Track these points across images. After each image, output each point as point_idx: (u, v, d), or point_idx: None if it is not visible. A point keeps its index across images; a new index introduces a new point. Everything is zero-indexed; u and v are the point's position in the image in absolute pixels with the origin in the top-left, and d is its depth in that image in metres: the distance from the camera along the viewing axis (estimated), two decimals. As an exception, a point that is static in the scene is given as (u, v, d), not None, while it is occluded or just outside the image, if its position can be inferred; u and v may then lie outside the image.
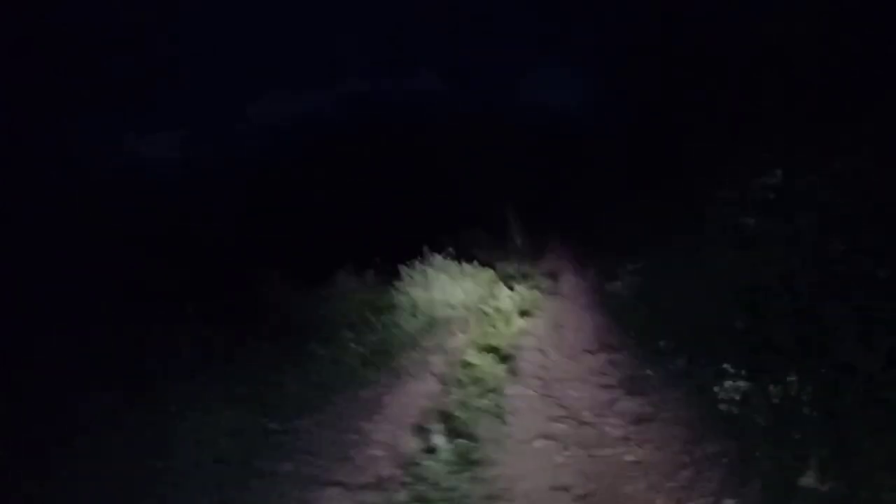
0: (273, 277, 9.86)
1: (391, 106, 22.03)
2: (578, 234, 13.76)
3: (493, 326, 7.51)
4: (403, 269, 9.64)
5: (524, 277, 10.35)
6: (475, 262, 9.82)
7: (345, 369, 6.69)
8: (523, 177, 18.34)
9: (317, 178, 16.47)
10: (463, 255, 9.92)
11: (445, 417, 5.19)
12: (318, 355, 7.28)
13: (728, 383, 4.26)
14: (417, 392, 5.85)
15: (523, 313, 8.26)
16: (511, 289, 9.04)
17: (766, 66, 7.87)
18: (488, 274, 9.81)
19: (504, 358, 6.40)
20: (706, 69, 9.42)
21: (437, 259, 9.72)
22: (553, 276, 11.10)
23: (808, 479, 3.29)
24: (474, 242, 12.10)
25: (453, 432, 4.86)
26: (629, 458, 4.29)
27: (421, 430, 5.07)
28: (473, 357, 6.26)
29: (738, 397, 4.18)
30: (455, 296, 8.75)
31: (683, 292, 6.32)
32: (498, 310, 8.22)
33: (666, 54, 11.10)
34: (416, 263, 9.69)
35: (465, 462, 4.45)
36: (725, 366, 4.42)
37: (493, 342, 6.90)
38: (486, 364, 6.08)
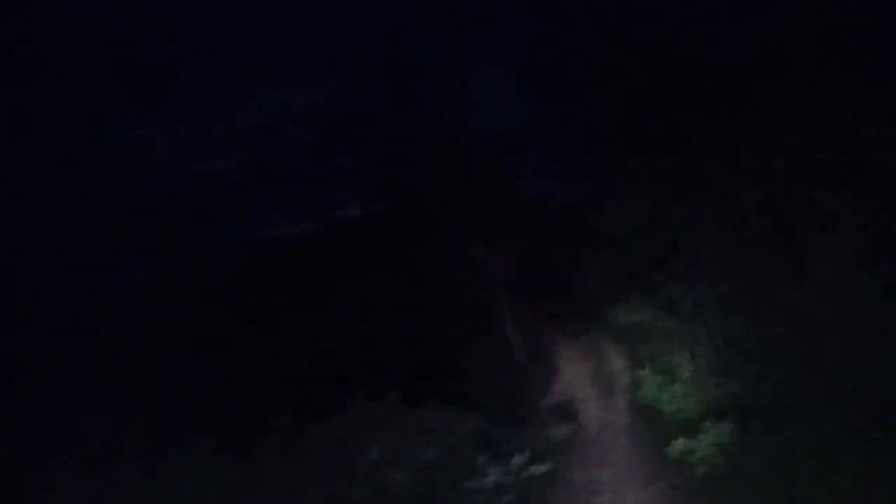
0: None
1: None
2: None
3: None
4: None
5: (522, 426, 5.98)
6: (440, 403, 5.81)
7: None
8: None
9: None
10: (423, 393, 6.04)
11: None
12: None
13: None
14: None
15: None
16: (496, 460, 5.05)
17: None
18: (464, 426, 5.63)
19: None
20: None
21: (377, 409, 5.99)
22: (570, 414, 6.45)
23: None
24: (443, 367, 7.08)
25: None
26: None
27: None
28: None
29: None
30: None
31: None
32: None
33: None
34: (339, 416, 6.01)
35: None
36: None
37: None
38: None
